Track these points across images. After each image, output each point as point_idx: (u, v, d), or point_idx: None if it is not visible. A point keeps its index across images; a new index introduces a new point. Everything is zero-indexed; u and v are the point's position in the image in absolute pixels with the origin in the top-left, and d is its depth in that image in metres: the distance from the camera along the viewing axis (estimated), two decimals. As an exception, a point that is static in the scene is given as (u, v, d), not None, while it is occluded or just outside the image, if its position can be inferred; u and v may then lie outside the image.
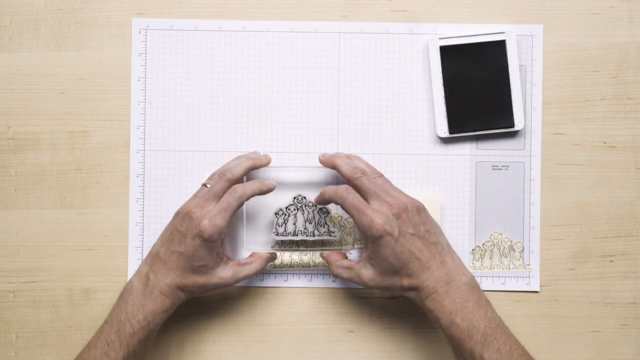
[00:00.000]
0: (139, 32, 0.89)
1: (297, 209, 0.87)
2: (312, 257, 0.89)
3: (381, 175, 0.83)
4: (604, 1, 0.89)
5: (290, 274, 0.89)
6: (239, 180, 0.84)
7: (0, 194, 0.89)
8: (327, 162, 0.85)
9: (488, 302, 0.79)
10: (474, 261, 0.89)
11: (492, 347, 0.75)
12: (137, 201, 0.89)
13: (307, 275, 0.89)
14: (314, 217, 0.87)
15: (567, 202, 0.89)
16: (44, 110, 0.89)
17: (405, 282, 0.79)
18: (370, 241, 0.80)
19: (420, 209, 0.81)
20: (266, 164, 0.86)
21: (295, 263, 0.88)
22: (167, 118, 0.89)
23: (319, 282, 0.89)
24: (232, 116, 0.89)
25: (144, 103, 0.89)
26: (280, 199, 0.87)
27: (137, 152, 0.89)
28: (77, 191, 0.89)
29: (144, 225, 0.89)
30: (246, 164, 0.84)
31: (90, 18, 0.89)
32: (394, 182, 0.85)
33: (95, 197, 0.89)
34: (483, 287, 0.88)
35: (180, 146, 0.89)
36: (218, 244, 0.81)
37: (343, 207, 0.81)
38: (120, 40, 0.89)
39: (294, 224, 0.87)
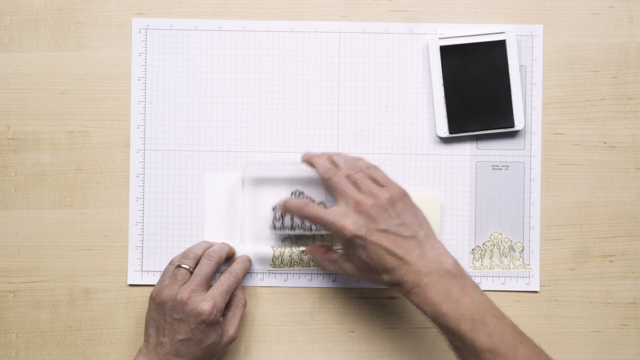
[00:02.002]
0: (139, 32, 0.89)
1: None
2: (311, 257, 0.89)
3: (357, 172, 0.81)
4: (604, 1, 0.89)
5: (290, 273, 0.89)
6: (222, 262, 0.86)
7: (0, 194, 0.89)
8: (307, 162, 0.85)
9: (475, 286, 0.76)
10: (474, 261, 0.89)
11: (482, 333, 0.72)
12: (137, 201, 0.89)
13: (307, 275, 0.89)
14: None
15: (567, 202, 0.89)
16: (44, 110, 0.89)
17: (385, 277, 0.77)
18: (342, 243, 0.79)
19: (393, 201, 0.79)
20: (234, 253, 0.88)
21: (295, 262, 0.89)
22: (167, 118, 0.89)
23: (319, 282, 0.89)
24: (232, 116, 0.89)
25: (144, 103, 0.89)
26: (278, 194, 0.88)
27: (137, 152, 0.89)
28: (77, 191, 0.89)
29: (144, 225, 0.89)
30: (227, 248, 0.87)
31: (90, 18, 0.89)
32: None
33: (95, 197, 0.89)
34: (483, 287, 0.88)
35: (180, 146, 0.89)
36: (220, 320, 0.82)
37: (310, 222, 0.82)
38: (120, 40, 0.89)
39: (291, 218, 0.87)
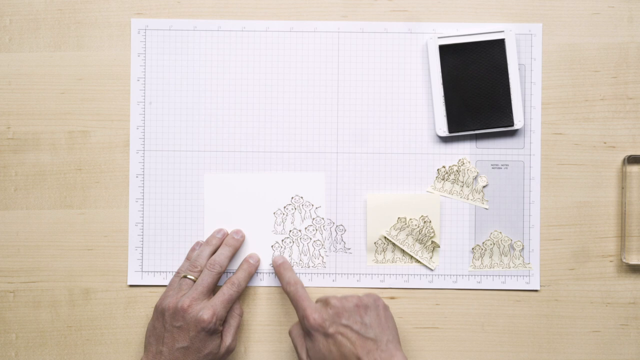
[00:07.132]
0: (138, 32, 0.89)
1: (295, 209, 0.88)
2: (311, 257, 0.89)
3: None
4: (604, 1, 0.89)
5: (290, 274, 0.89)
6: (224, 270, 0.86)
7: (0, 194, 0.89)
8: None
9: None
10: (474, 260, 0.88)
11: None
12: (136, 201, 0.89)
13: (307, 275, 0.89)
14: (310, 216, 0.88)
15: (567, 202, 0.89)
16: (44, 110, 0.89)
17: None
18: (305, 332, 0.81)
19: (362, 305, 0.80)
20: (242, 243, 0.88)
21: (295, 262, 0.89)
22: (166, 118, 0.89)
23: (319, 282, 0.89)
24: (232, 116, 0.89)
25: (143, 103, 0.89)
26: (279, 200, 0.88)
27: (137, 152, 0.89)
28: (77, 191, 0.89)
29: (144, 225, 0.89)
30: (229, 253, 0.86)
31: (90, 18, 0.89)
32: (394, 182, 0.86)
33: (95, 197, 0.89)
34: (483, 286, 0.88)
35: (180, 146, 0.89)
36: (220, 329, 0.82)
37: (284, 288, 0.84)
38: (120, 40, 0.89)
39: (292, 222, 0.88)
